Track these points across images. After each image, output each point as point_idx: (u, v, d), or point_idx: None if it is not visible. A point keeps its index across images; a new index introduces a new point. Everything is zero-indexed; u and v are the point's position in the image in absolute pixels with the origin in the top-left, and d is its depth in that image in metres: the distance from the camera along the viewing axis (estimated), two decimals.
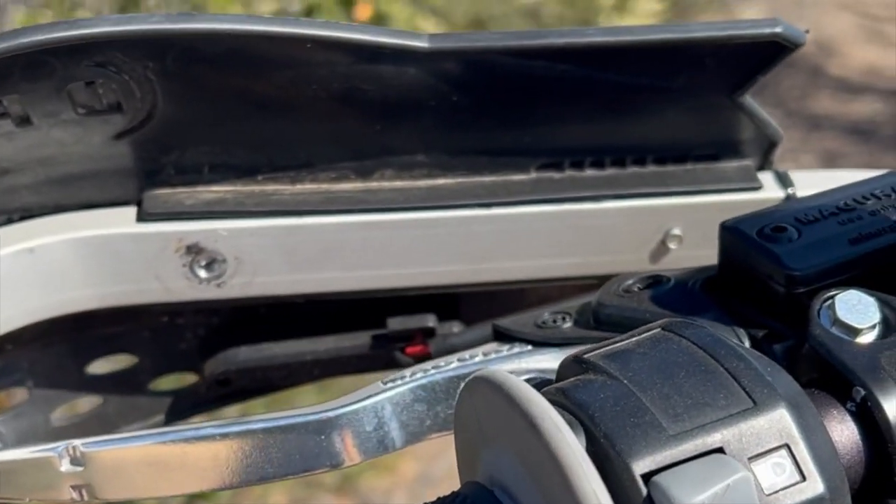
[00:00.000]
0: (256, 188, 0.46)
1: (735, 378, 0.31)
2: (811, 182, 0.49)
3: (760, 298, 0.37)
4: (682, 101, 0.47)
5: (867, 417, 0.32)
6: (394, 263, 0.47)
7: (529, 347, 0.41)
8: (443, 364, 0.41)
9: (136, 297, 0.45)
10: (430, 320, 0.49)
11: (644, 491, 0.29)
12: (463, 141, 0.46)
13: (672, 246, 0.48)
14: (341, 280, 0.47)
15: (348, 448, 0.40)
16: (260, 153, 0.45)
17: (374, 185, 0.46)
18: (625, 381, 0.31)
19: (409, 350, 0.49)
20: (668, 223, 0.48)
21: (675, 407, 0.30)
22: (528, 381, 0.35)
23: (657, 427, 0.30)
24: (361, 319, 0.49)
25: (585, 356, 0.33)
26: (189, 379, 0.51)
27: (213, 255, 0.45)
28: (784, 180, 0.49)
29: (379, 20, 2.03)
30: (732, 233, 0.38)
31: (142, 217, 0.44)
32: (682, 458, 0.29)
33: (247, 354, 0.48)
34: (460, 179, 0.47)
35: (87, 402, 0.50)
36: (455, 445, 0.36)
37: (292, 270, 0.46)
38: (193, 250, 0.45)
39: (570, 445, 0.29)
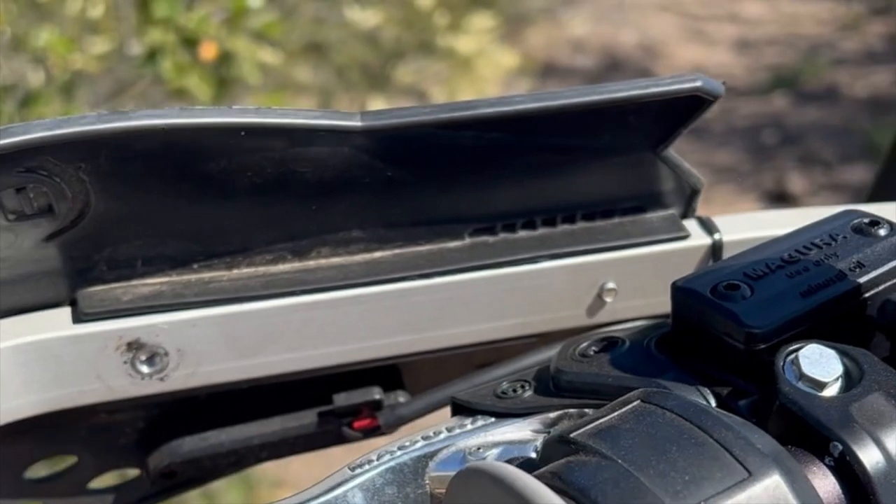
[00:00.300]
0: (193, 277, 0.45)
1: (725, 448, 0.32)
2: (734, 226, 0.50)
3: (718, 356, 0.38)
4: (608, 159, 0.48)
5: (846, 471, 0.33)
6: (337, 340, 0.46)
7: (492, 420, 0.41)
8: (408, 444, 0.41)
9: (78, 399, 0.44)
10: (376, 392, 0.48)
11: None
12: (397, 213, 0.46)
13: (608, 299, 0.49)
14: (285, 362, 0.46)
15: None
16: (194, 242, 0.45)
17: (311, 263, 0.46)
18: (619, 462, 0.31)
19: (357, 424, 0.49)
20: (603, 277, 0.49)
21: (674, 484, 0.31)
22: (510, 461, 0.35)
23: None
24: (306, 398, 0.49)
25: (571, 435, 0.33)
26: (130, 474, 0.50)
27: (154, 349, 0.44)
28: (708, 226, 0.50)
29: (225, 58, 2.01)
30: (686, 293, 0.39)
31: (78, 318, 0.43)
32: None
33: (191, 444, 0.47)
34: (396, 251, 0.47)
35: None
36: None
37: (236, 357, 0.45)
38: (134, 346, 0.44)
39: None
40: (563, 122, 0.45)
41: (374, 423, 0.48)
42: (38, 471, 0.48)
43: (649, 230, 0.49)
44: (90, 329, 0.43)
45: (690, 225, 0.50)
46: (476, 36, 4.28)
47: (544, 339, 0.49)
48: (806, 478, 0.32)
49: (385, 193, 0.46)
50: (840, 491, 0.33)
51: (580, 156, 0.47)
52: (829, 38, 5.63)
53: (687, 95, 0.45)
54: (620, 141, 0.47)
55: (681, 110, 0.46)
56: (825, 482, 0.33)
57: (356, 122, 0.42)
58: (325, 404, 0.49)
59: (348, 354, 0.47)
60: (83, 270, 0.44)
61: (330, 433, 0.49)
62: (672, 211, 0.50)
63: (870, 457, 0.33)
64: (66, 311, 0.44)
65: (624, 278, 0.49)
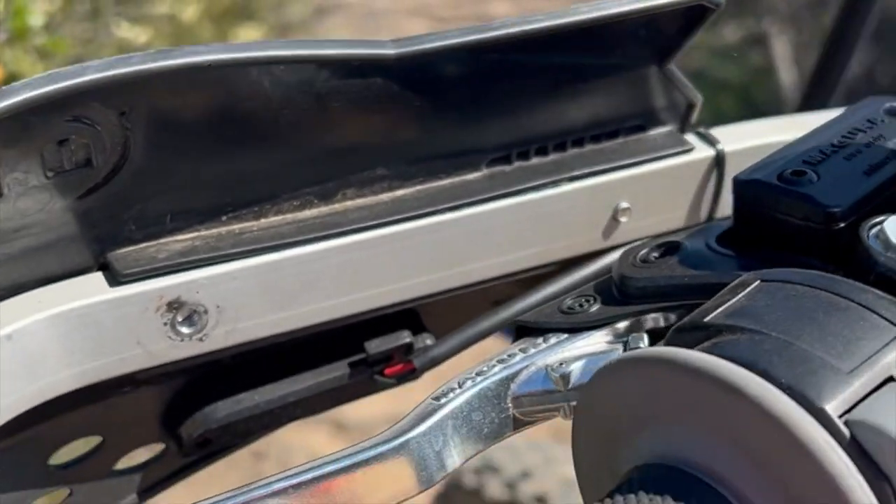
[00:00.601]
0: (224, 230, 0.43)
1: (870, 309, 0.33)
2: (733, 136, 0.52)
3: (792, 242, 0.39)
4: (618, 76, 0.48)
5: None
6: (371, 283, 0.45)
7: (565, 336, 0.41)
8: (486, 369, 0.40)
9: (118, 369, 0.42)
10: (407, 336, 0.48)
11: (847, 432, 0.29)
12: (419, 148, 0.46)
13: (623, 219, 0.50)
14: (322, 311, 0.45)
15: (418, 473, 0.38)
16: (223, 192, 0.43)
17: (338, 206, 0.45)
18: (772, 334, 0.32)
19: (389, 371, 0.48)
20: (616, 198, 0.49)
21: (835, 346, 0.31)
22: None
23: (833, 368, 0.30)
24: (334, 351, 0.47)
25: (705, 320, 0.33)
26: (156, 448, 0.47)
27: (193, 307, 0.42)
28: (709, 139, 0.51)
29: (12, 78, 1.96)
30: (752, 185, 0.40)
31: (115, 280, 0.41)
32: (865, 392, 0.30)
33: (226, 409, 0.45)
34: (419, 187, 0.46)
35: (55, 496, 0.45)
36: (573, 436, 0.36)
37: (274, 309, 0.44)
38: (174, 306, 0.41)
39: (805, 417, 0.29)
40: (576, 40, 0.45)
41: (408, 366, 0.47)
42: (64, 456, 0.45)
43: (655, 147, 0.50)
44: (130, 290, 0.41)
45: (691, 139, 0.51)
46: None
47: (562, 266, 0.49)
48: None
49: (407, 127, 0.45)
50: None
51: (592, 74, 0.48)
52: None
53: (692, 4, 0.46)
54: (631, 56, 0.48)
55: (686, 21, 0.47)
56: None
57: (389, 51, 0.41)
58: (353, 354, 0.47)
59: (382, 297, 0.46)
60: (112, 231, 0.41)
61: (362, 383, 0.48)
62: (671, 127, 0.51)
63: None
64: (98, 276, 0.41)
65: (636, 197, 0.50)
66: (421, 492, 0.39)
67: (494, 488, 1.51)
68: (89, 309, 0.40)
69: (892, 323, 0.32)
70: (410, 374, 0.47)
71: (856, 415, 0.30)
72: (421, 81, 0.43)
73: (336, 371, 0.47)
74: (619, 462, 0.34)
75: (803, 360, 0.31)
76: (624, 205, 0.49)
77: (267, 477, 0.36)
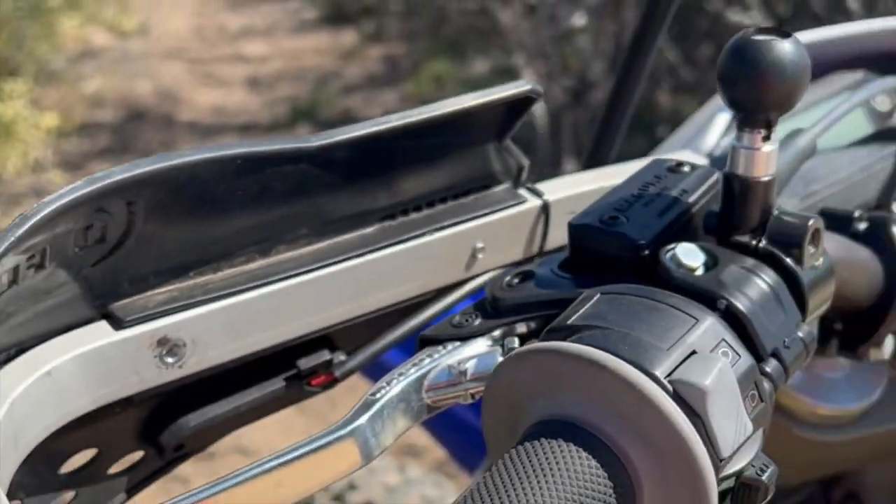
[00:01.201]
0: (192, 282, 0.57)
1: (675, 308, 0.49)
2: (554, 188, 0.68)
3: (613, 266, 0.55)
4: (469, 151, 0.64)
5: (730, 316, 0.51)
6: (300, 315, 0.60)
7: (458, 343, 0.56)
8: (405, 371, 0.55)
9: (119, 393, 0.55)
10: (327, 354, 0.62)
11: (670, 387, 0.45)
12: (329, 212, 0.61)
13: (479, 256, 0.65)
14: (266, 338, 0.59)
15: (362, 452, 0.53)
16: (191, 254, 0.57)
17: (272, 259, 0.59)
18: (615, 328, 0.48)
19: (315, 382, 0.62)
20: (473, 240, 0.65)
21: (657, 334, 0.47)
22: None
23: (657, 348, 0.47)
24: (272, 369, 0.62)
25: (568, 322, 0.49)
26: (136, 456, 0.60)
27: (175, 342, 0.55)
28: (536, 191, 0.68)
29: None
30: (582, 227, 0.56)
31: (119, 325, 0.54)
32: (679, 362, 0.46)
33: (195, 420, 0.59)
34: (330, 241, 0.61)
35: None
36: (485, 405, 0.51)
37: (231, 340, 0.58)
38: (162, 342, 0.55)
39: (641, 378, 0.45)
40: (436, 129, 0.61)
41: (329, 377, 0.62)
42: (70, 465, 0.58)
43: (498, 201, 0.66)
44: (130, 333, 0.54)
45: (523, 192, 0.68)
46: (10, 102, 4.27)
47: (437, 293, 0.65)
48: (722, 321, 0.50)
49: (321, 197, 0.60)
50: (728, 328, 0.51)
51: (451, 150, 0.64)
52: (333, 68, 5.97)
53: (522, 97, 0.63)
54: (478, 136, 0.64)
55: (517, 107, 0.63)
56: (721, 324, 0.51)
57: (312, 144, 0.56)
58: (288, 370, 0.62)
59: (307, 326, 0.60)
60: (113, 288, 0.55)
61: (296, 392, 0.62)
62: (507, 184, 0.68)
63: (744, 304, 0.51)
64: (103, 323, 0.55)
65: (487, 238, 0.66)
66: (363, 465, 0.53)
67: (323, 501, 1.64)
68: (101, 349, 0.53)
69: (690, 315, 0.49)
70: (332, 383, 0.62)
71: (674, 376, 0.46)
72: (334, 165, 0.58)
73: (277, 384, 0.61)
74: (519, 425, 0.49)
75: (638, 344, 0.47)
76: (479, 245, 0.65)
77: (236, 470, 0.50)
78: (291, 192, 0.58)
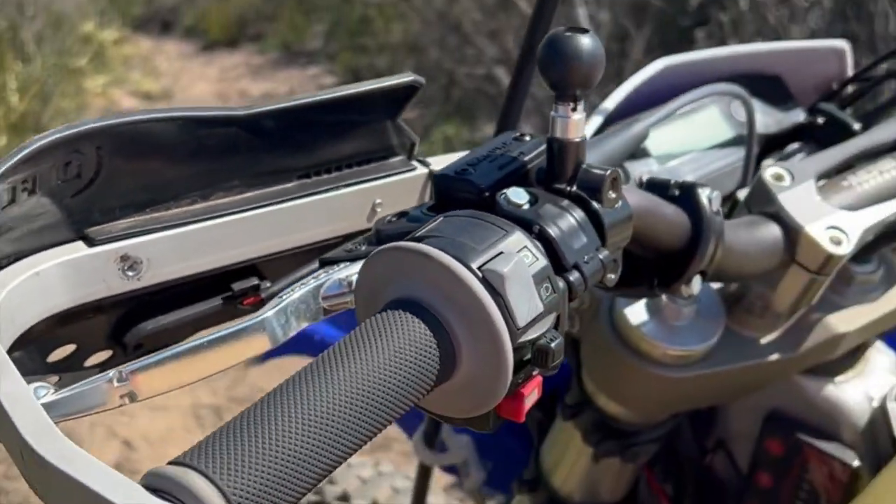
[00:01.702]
0: (149, 216, 0.75)
1: (494, 224, 0.66)
2: (439, 161, 0.86)
3: (463, 205, 0.73)
4: (369, 126, 0.83)
5: (544, 239, 0.68)
6: (234, 247, 0.78)
7: (349, 263, 0.74)
8: (308, 281, 0.73)
9: (91, 296, 0.73)
10: (255, 280, 0.81)
11: (481, 275, 0.62)
12: (257, 169, 0.79)
13: (378, 210, 0.84)
14: (207, 263, 0.77)
15: (270, 336, 0.71)
16: (149, 193, 0.75)
17: (212, 202, 0.78)
18: (448, 236, 0.65)
19: (246, 302, 0.80)
20: (373, 197, 0.84)
21: (476, 239, 0.64)
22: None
23: (474, 249, 0.63)
24: (214, 289, 0.80)
25: (416, 235, 0.67)
26: (106, 354, 0.78)
27: (135, 259, 0.74)
28: (424, 163, 0.86)
29: None
30: (442, 176, 0.73)
31: (92, 244, 0.72)
32: (490, 258, 0.63)
33: (152, 325, 0.77)
34: (258, 191, 0.79)
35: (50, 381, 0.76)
36: (356, 294, 0.68)
37: (180, 261, 0.76)
38: (124, 258, 0.73)
39: (459, 266, 0.62)
40: (342, 108, 0.80)
41: (256, 299, 0.80)
42: (55, 356, 0.76)
43: (394, 167, 0.85)
44: (101, 249, 0.72)
45: (415, 163, 0.86)
46: None
47: (344, 238, 0.83)
48: (523, 231, 0.67)
49: (251, 157, 0.78)
50: (541, 247, 0.68)
51: (356, 125, 0.82)
52: None
53: (408, 85, 0.81)
54: (376, 115, 0.83)
55: (405, 94, 0.82)
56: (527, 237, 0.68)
57: (240, 112, 0.75)
58: (226, 292, 0.80)
59: (239, 255, 0.79)
60: (88, 216, 0.73)
61: (231, 309, 0.80)
62: (403, 156, 0.86)
63: (553, 230, 0.68)
64: (80, 243, 0.73)
65: (384, 196, 0.84)
66: (273, 347, 0.71)
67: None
68: (77, 260, 0.72)
69: (503, 229, 0.66)
70: (259, 304, 0.80)
71: (484, 266, 0.62)
72: (260, 131, 0.77)
73: (215, 301, 0.80)
74: (377, 305, 0.66)
75: (461, 245, 0.63)
76: (378, 201, 0.84)
77: (170, 347, 0.68)
78: (225, 151, 0.77)
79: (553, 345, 0.63)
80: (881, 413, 0.96)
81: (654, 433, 1.01)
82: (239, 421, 0.53)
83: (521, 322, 0.61)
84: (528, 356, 0.64)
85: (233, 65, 8.12)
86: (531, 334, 0.63)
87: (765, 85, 1.10)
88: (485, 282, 0.60)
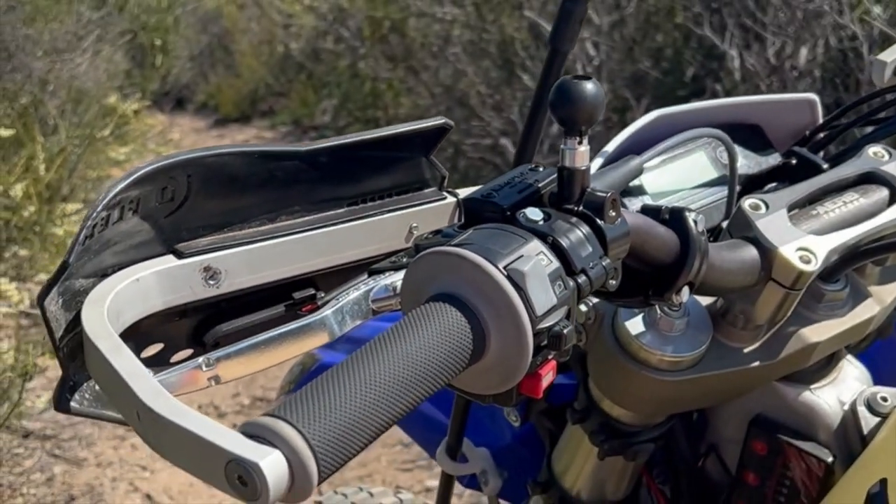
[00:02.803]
0: (227, 235, 0.90)
1: (515, 234, 0.80)
2: (465, 192, 1.01)
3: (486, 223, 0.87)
4: (407, 162, 0.98)
5: (557, 248, 0.82)
6: (295, 262, 0.93)
7: (393, 272, 0.89)
8: (358, 286, 0.88)
9: (181, 300, 0.88)
10: (312, 290, 0.95)
11: (507, 273, 0.76)
12: (315, 197, 0.94)
13: (415, 231, 0.99)
14: (273, 275, 0.92)
15: (329, 332, 0.86)
16: (225, 216, 0.90)
17: (279, 224, 0.93)
18: (478, 243, 0.79)
19: (304, 309, 0.95)
20: (410, 221, 0.99)
21: (501, 245, 0.78)
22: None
23: (500, 252, 0.77)
24: (275, 298, 0.95)
25: (452, 242, 0.81)
26: (188, 352, 0.93)
27: (215, 270, 0.89)
28: (453, 193, 1.01)
29: None
30: (470, 199, 0.87)
31: (181, 257, 0.87)
32: (512, 260, 0.78)
33: (227, 327, 0.91)
34: (316, 215, 0.95)
35: None
36: (402, 291, 0.83)
37: (250, 273, 0.91)
38: (206, 269, 0.88)
39: (488, 265, 0.77)
40: (388, 144, 0.95)
41: (314, 307, 0.95)
42: (147, 353, 0.91)
43: (427, 196, 1.00)
44: (188, 261, 0.87)
45: (446, 193, 1.01)
46: (66, 220, 4.66)
47: (387, 255, 0.98)
48: (545, 244, 0.82)
49: (310, 187, 0.94)
50: (554, 255, 0.82)
51: (395, 161, 0.97)
52: None
53: (440, 127, 0.97)
54: (413, 152, 0.98)
55: (438, 133, 0.98)
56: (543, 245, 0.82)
57: (301, 148, 0.90)
58: (288, 300, 0.95)
59: (300, 269, 0.94)
60: (176, 234, 0.88)
61: (290, 316, 0.95)
62: (434, 188, 1.01)
63: (564, 241, 0.82)
64: (171, 256, 0.88)
65: (420, 221, 0.99)
66: (329, 341, 0.86)
67: None
68: (169, 269, 0.86)
69: (523, 238, 0.79)
70: (315, 311, 0.95)
71: (508, 266, 0.76)
72: (316, 164, 0.92)
73: (279, 308, 0.94)
74: (421, 300, 0.80)
75: (490, 250, 0.76)
76: (415, 224, 0.99)
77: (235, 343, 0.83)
78: (289, 181, 0.92)
79: (566, 331, 0.77)
80: (852, 415, 1.10)
81: (652, 433, 1.14)
82: (316, 385, 0.68)
83: (539, 311, 0.75)
84: (545, 342, 0.77)
85: (244, 139, 8.33)
86: (547, 322, 0.76)
87: (746, 133, 1.25)
88: (509, 278, 0.74)
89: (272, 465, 0.62)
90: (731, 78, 4.25)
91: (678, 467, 1.23)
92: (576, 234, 0.81)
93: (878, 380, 1.17)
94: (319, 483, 0.65)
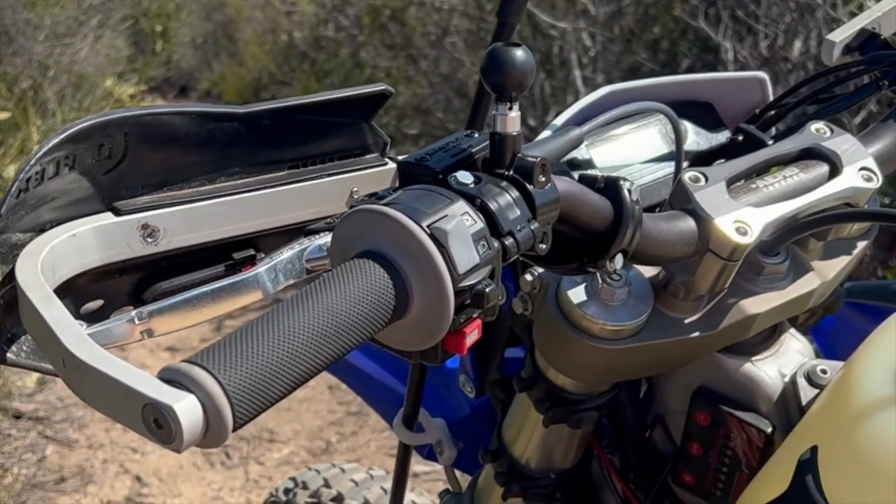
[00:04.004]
0: (166, 194, 0.92)
1: (443, 195, 0.82)
2: (403, 154, 1.03)
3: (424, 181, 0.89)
4: (349, 128, 1.00)
5: (485, 210, 0.84)
6: (233, 223, 0.95)
7: (328, 232, 0.91)
8: (294, 246, 0.90)
9: (118, 256, 0.90)
10: (252, 251, 0.97)
11: (430, 232, 0.78)
12: (254, 159, 0.96)
13: (355, 196, 1.01)
14: (212, 234, 0.94)
15: (262, 288, 0.87)
16: (165, 175, 0.92)
17: (218, 185, 0.95)
18: (405, 202, 0.81)
19: (244, 269, 0.97)
20: (351, 185, 1.01)
21: (428, 205, 0.80)
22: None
23: (424, 212, 0.79)
24: (218, 257, 0.96)
25: (381, 202, 0.83)
26: (128, 308, 0.95)
27: (153, 228, 0.91)
28: (394, 159, 1.03)
29: None
30: (406, 163, 0.89)
31: (119, 214, 0.89)
32: (436, 219, 0.79)
33: (166, 285, 0.94)
34: (256, 177, 0.97)
35: None
36: (331, 248, 0.84)
37: (189, 232, 0.93)
38: (144, 227, 0.90)
39: (412, 223, 0.79)
40: (328, 108, 0.97)
41: (251, 266, 0.96)
42: (87, 308, 0.93)
43: (369, 161, 1.02)
44: (126, 218, 0.89)
45: (386, 159, 1.03)
46: None
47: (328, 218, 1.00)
48: (472, 206, 0.83)
49: (249, 148, 0.95)
50: (481, 216, 0.84)
51: (335, 126, 0.99)
52: None
53: (380, 93, 0.99)
54: (354, 117, 1.00)
55: (378, 100, 0.99)
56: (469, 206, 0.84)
57: (239, 110, 0.92)
58: (227, 260, 0.97)
59: (238, 230, 0.96)
60: (116, 191, 0.90)
61: (229, 276, 0.97)
62: (376, 154, 1.03)
63: (492, 203, 0.84)
64: (109, 214, 0.90)
65: (360, 185, 1.01)
66: (262, 298, 0.88)
67: (302, 499, 1.96)
68: (107, 226, 0.89)
69: (450, 199, 0.81)
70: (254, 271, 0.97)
71: (432, 225, 0.78)
72: (257, 126, 0.94)
73: (219, 268, 0.96)
74: (348, 256, 0.82)
75: (415, 209, 0.78)
76: (355, 189, 1.01)
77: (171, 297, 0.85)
78: (229, 142, 0.94)
79: (488, 290, 0.79)
80: (792, 387, 1.12)
81: (595, 401, 1.16)
82: (236, 334, 0.70)
83: (462, 269, 0.77)
84: (468, 300, 0.79)
85: None
86: (469, 280, 0.78)
87: (698, 111, 1.27)
88: (432, 237, 0.76)
89: (187, 408, 0.64)
90: (724, 70, 4.26)
91: (626, 438, 1.24)
92: (504, 198, 0.83)
93: (831, 355, 1.19)
94: (235, 430, 0.67)
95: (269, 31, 9.62)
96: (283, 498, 1.97)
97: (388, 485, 1.95)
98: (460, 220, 0.78)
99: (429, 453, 1.53)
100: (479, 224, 0.80)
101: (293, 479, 2.04)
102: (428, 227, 0.77)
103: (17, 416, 4.30)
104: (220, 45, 10.45)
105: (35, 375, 4.35)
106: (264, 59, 9.47)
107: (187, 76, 10.38)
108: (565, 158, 1.18)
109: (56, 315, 0.75)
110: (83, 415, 4.34)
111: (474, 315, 0.81)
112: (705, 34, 4.45)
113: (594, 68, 4.92)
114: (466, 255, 0.77)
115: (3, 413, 4.24)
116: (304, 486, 1.97)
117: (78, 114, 5.76)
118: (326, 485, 1.94)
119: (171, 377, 0.66)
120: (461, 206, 0.80)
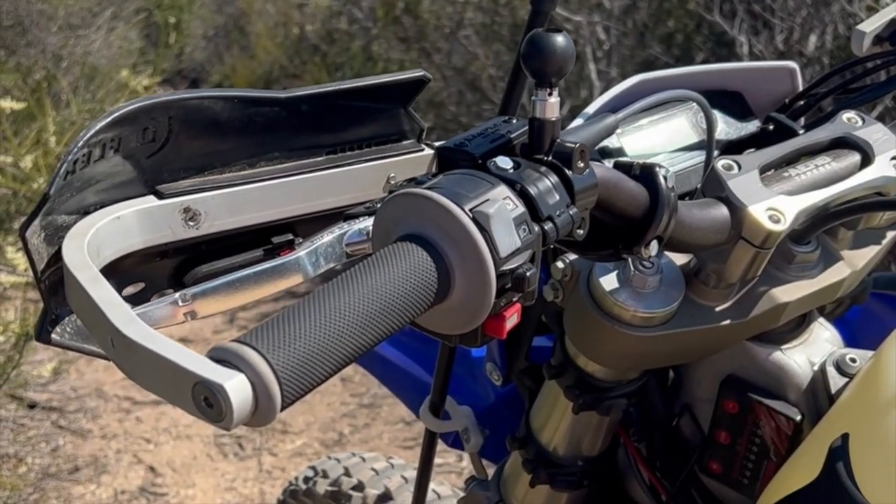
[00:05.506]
0: (208, 177, 0.93)
1: (484, 180, 0.83)
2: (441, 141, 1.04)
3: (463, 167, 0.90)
4: (386, 113, 1.01)
5: (525, 195, 0.85)
6: (274, 207, 0.96)
7: (367, 217, 0.92)
8: (334, 230, 0.91)
9: (160, 239, 0.91)
10: (290, 235, 0.98)
11: (472, 216, 0.79)
12: (294, 144, 0.97)
13: (392, 181, 1.01)
14: (253, 218, 0.95)
15: (303, 273, 0.88)
16: (207, 159, 0.93)
17: (258, 169, 0.96)
18: (447, 186, 0.82)
19: (282, 253, 0.97)
20: (388, 171, 1.02)
21: (469, 189, 0.81)
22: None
23: (466, 195, 0.80)
24: (256, 241, 0.97)
25: (423, 185, 0.84)
26: (168, 292, 0.96)
27: (195, 211, 0.91)
28: (430, 145, 1.04)
29: None
30: (444, 148, 0.90)
31: (161, 197, 0.90)
32: (478, 203, 0.80)
33: (206, 268, 0.94)
34: (296, 162, 0.97)
35: None
36: (373, 232, 0.85)
37: (231, 216, 0.94)
38: (186, 210, 0.91)
39: (455, 207, 0.79)
40: (367, 94, 0.98)
41: (290, 250, 0.97)
42: (128, 291, 0.94)
43: (406, 148, 1.03)
44: (168, 202, 0.90)
45: (423, 145, 1.04)
46: None
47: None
48: (513, 191, 0.84)
49: (290, 133, 0.96)
50: (521, 201, 0.84)
51: (374, 111, 1.00)
52: None
53: (418, 79, 0.99)
54: (391, 103, 1.00)
55: (415, 87, 1.00)
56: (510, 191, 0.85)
57: (281, 94, 0.93)
58: (267, 244, 0.97)
59: (278, 214, 0.96)
60: (159, 175, 0.91)
61: (268, 258, 0.98)
62: (413, 140, 1.04)
63: (532, 188, 0.85)
64: (152, 197, 0.90)
65: (397, 171, 1.02)
66: (305, 281, 0.89)
67: (322, 487, 1.97)
68: (150, 209, 0.89)
69: (491, 184, 0.82)
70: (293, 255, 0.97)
71: (475, 209, 0.79)
72: (296, 112, 0.95)
73: (258, 252, 0.97)
74: (390, 240, 0.83)
75: (457, 193, 0.79)
76: (392, 174, 1.02)
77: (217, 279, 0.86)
78: (269, 127, 0.95)
79: (528, 274, 0.80)
80: (821, 375, 1.12)
81: (625, 389, 1.17)
82: (284, 314, 0.70)
83: (503, 253, 0.78)
84: (509, 284, 0.80)
85: None
86: (511, 264, 0.79)
87: (727, 100, 1.28)
88: (474, 220, 0.77)
89: (237, 387, 0.64)
90: (737, 59, 4.26)
91: (653, 426, 1.25)
92: (544, 183, 0.84)
93: (855, 345, 1.19)
94: (283, 409, 0.68)
95: (280, 25, 9.62)
96: (303, 486, 1.98)
97: (409, 474, 1.97)
98: (502, 204, 0.79)
99: (454, 441, 1.54)
100: (520, 209, 0.81)
101: (313, 467, 2.05)
102: (470, 210, 0.78)
103: (32, 405, 4.32)
104: (232, 37, 10.46)
105: (49, 365, 4.37)
106: (275, 51, 9.47)
107: (199, 68, 10.39)
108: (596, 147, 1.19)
109: (104, 295, 0.76)
110: (97, 405, 4.35)
111: (514, 299, 0.82)
112: (720, 28, 4.45)
113: (608, 62, 4.93)
114: (508, 239, 0.78)
115: (17, 403, 4.25)
116: (325, 475, 1.98)
117: (92, 105, 5.78)
118: (347, 473, 1.95)
119: (220, 356, 0.67)
120: (502, 190, 0.81)
